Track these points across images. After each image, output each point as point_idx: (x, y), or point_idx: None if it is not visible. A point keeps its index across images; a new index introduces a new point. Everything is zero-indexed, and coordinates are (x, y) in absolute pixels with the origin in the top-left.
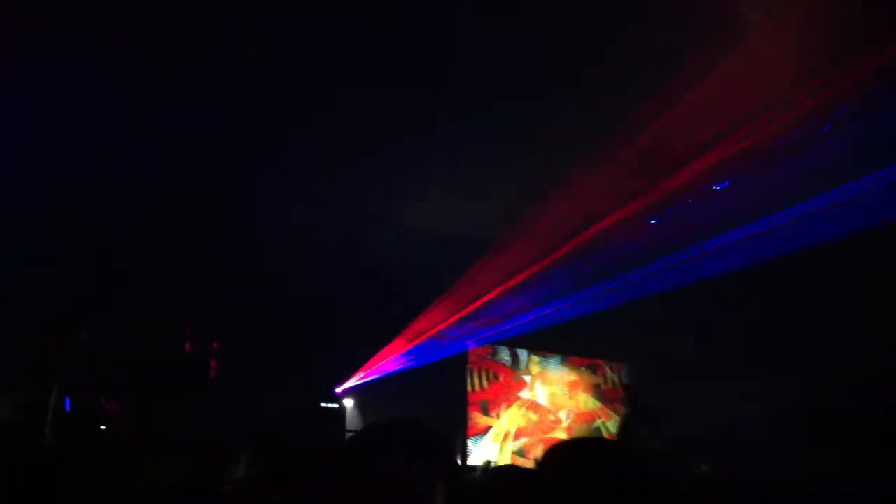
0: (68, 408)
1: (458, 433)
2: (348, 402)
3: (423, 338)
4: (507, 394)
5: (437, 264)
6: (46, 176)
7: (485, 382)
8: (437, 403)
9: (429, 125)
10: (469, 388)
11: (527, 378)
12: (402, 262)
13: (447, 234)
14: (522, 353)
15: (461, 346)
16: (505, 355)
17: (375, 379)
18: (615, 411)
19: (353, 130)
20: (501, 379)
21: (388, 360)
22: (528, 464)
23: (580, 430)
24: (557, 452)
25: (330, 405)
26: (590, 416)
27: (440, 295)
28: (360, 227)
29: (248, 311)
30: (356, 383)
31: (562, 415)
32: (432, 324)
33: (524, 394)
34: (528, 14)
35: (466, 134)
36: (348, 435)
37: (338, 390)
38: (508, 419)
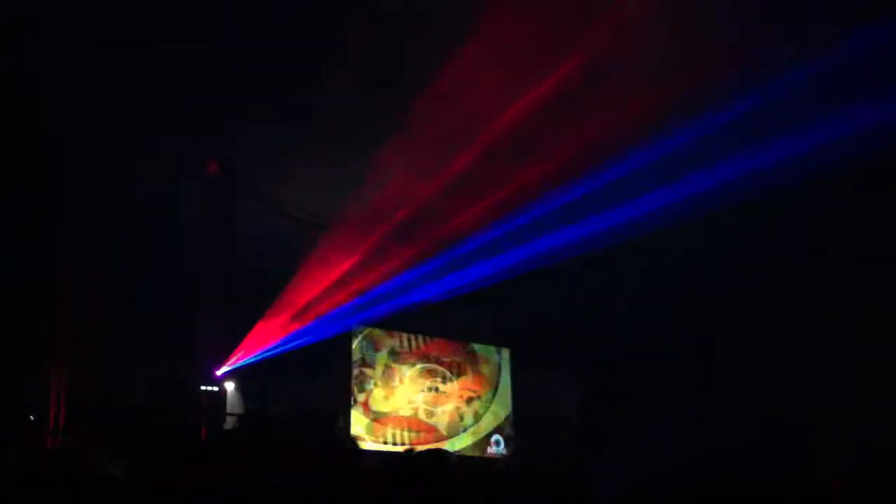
0: None
1: (342, 414)
2: (229, 385)
3: (303, 318)
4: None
5: (307, 243)
6: None
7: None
8: (321, 384)
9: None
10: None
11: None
12: (277, 240)
13: (319, 213)
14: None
15: (342, 326)
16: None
17: (255, 360)
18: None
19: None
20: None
21: (266, 342)
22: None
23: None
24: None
25: (210, 388)
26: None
27: (314, 274)
28: (232, 199)
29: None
30: (235, 365)
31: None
32: (309, 304)
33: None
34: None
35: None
36: (229, 419)
37: (218, 373)
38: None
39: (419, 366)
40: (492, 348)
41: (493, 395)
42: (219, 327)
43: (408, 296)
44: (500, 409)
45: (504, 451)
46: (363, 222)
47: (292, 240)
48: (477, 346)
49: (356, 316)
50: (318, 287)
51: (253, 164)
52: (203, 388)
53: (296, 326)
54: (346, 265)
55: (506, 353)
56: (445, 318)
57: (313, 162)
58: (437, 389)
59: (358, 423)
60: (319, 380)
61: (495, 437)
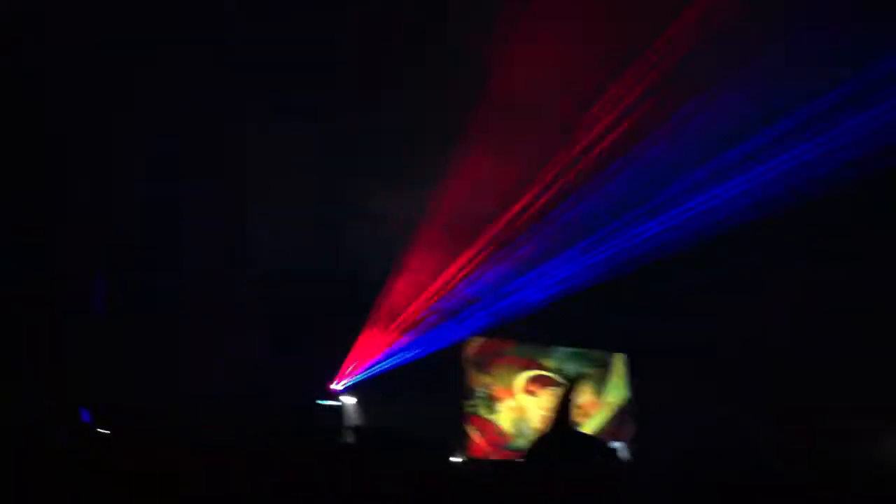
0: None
1: (458, 426)
2: (347, 399)
3: (414, 330)
4: (512, 389)
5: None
6: None
7: (491, 377)
8: (436, 395)
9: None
10: (473, 382)
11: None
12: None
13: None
14: (527, 347)
15: (454, 336)
16: (509, 348)
17: (371, 374)
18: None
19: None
20: (507, 373)
21: (379, 356)
22: None
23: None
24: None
25: (327, 402)
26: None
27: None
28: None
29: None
30: (352, 380)
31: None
32: (415, 313)
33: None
34: None
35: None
36: (347, 432)
37: (334, 387)
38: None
39: (527, 373)
40: (604, 353)
41: (606, 400)
42: (334, 343)
43: (516, 302)
44: (612, 413)
45: (624, 457)
46: (466, 228)
47: (395, 252)
48: (588, 352)
49: (465, 325)
50: (427, 298)
51: (352, 178)
52: (319, 402)
53: (406, 339)
54: (452, 274)
55: (619, 357)
56: (556, 324)
57: (412, 170)
58: (546, 396)
59: (472, 433)
60: (434, 391)
61: (614, 443)
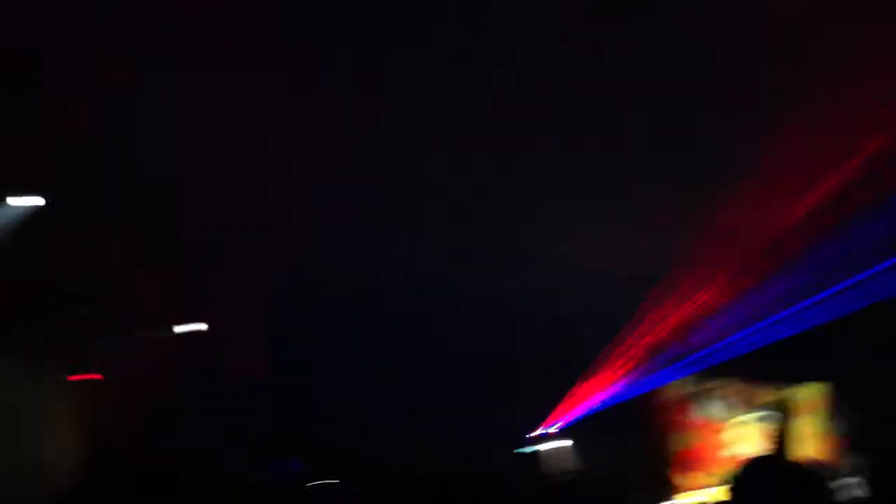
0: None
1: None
2: (550, 445)
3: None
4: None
5: (608, 301)
6: None
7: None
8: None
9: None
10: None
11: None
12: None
13: (614, 271)
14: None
15: (659, 381)
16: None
17: (577, 420)
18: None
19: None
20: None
21: (585, 401)
22: None
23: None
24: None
25: (525, 450)
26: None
27: (619, 332)
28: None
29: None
30: (557, 427)
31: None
32: (621, 362)
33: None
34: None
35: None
36: (549, 477)
37: (533, 434)
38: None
39: (733, 410)
40: (810, 385)
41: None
42: (538, 388)
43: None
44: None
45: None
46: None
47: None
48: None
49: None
50: (634, 344)
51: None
52: (519, 451)
53: (622, 384)
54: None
55: (824, 387)
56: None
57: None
58: (756, 431)
59: (678, 475)
60: (638, 433)
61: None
